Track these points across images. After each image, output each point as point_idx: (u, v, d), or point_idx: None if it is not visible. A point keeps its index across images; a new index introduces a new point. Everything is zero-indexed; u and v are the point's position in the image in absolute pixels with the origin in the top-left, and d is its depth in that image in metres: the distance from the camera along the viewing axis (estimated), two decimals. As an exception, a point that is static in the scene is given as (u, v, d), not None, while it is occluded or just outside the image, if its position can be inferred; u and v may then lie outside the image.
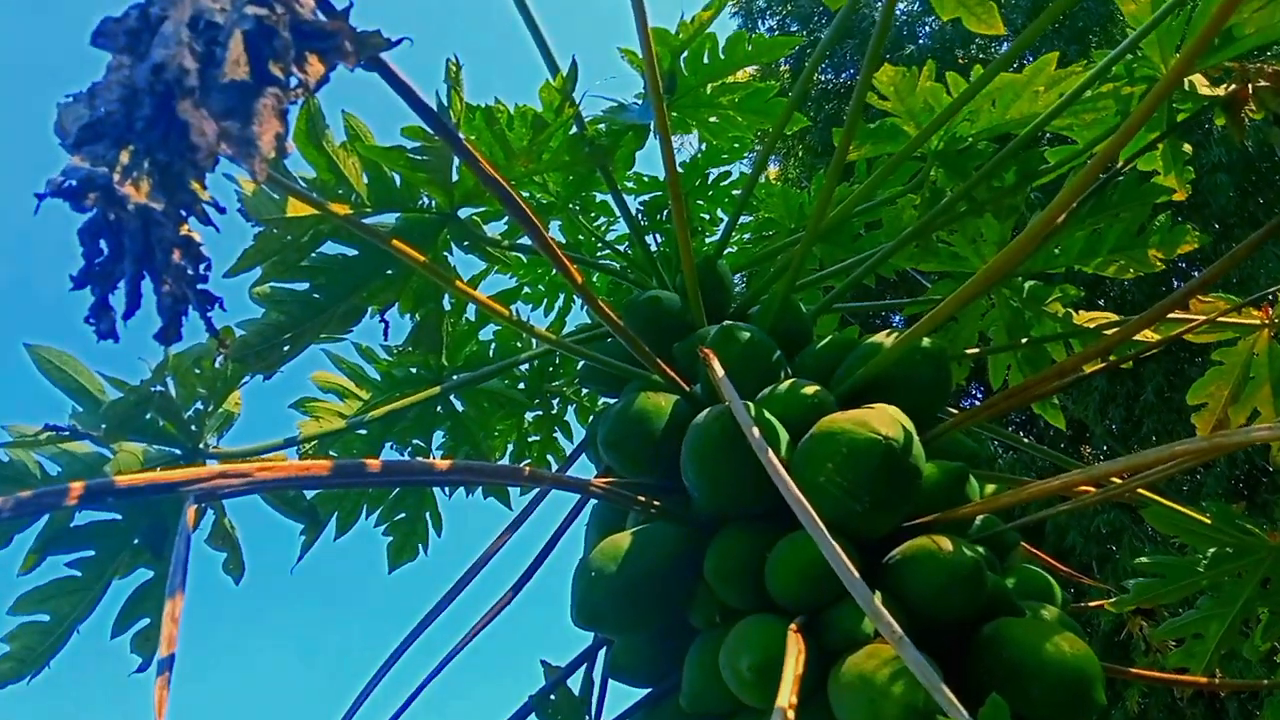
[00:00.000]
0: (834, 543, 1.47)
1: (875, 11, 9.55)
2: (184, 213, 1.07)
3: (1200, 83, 2.69)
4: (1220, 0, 2.41)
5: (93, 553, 2.12)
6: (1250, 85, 2.66)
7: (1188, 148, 2.87)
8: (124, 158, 0.97)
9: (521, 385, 2.95)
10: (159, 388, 1.90)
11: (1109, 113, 2.61)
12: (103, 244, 1.10)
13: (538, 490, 2.39)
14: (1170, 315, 2.65)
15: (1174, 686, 2.52)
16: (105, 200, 1.03)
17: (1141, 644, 2.93)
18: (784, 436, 1.96)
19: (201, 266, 1.12)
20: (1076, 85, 2.43)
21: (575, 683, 2.29)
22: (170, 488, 1.17)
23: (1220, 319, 2.76)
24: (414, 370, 2.53)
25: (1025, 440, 2.67)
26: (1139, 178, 2.75)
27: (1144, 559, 2.46)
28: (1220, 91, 2.69)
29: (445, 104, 1.94)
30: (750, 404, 1.93)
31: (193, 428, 2.05)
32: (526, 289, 2.95)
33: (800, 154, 11.62)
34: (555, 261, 1.81)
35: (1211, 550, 2.38)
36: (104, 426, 1.87)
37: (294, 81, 0.92)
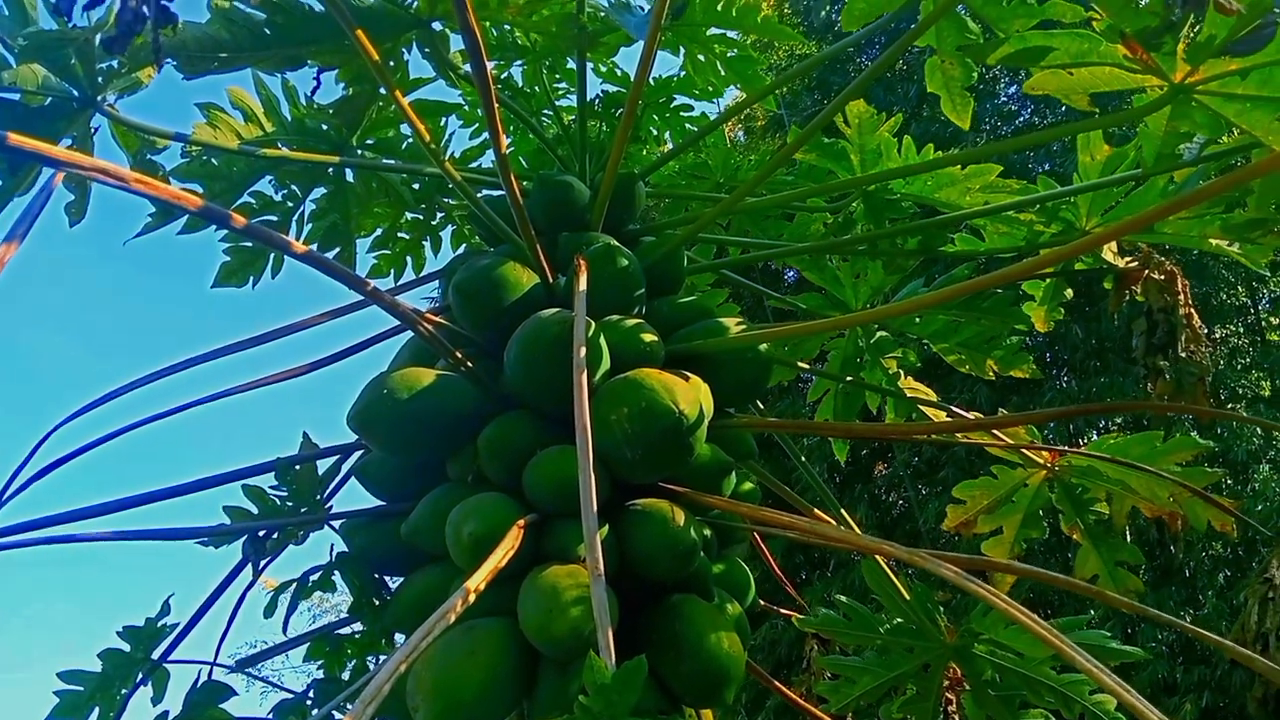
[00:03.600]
0: (592, 474, 1.67)
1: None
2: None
3: (1109, 247, 2.94)
4: (1155, 202, 2.67)
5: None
6: (1147, 272, 2.92)
7: (1069, 292, 3.13)
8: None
9: (416, 185, 3.01)
10: (86, 33, 1.91)
11: (1019, 234, 2.83)
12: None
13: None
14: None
15: (804, 712, 2.85)
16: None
17: (806, 661, 3.30)
18: (605, 366, 2.13)
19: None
20: (1003, 202, 2.63)
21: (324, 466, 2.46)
22: (55, 163, 1.24)
23: (1022, 447, 3.05)
24: (325, 128, 2.57)
25: (802, 460, 2.93)
26: (1013, 299, 3.00)
27: (842, 597, 2.77)
28: (1121, 262, 2.94)
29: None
30: (593, 324, 2.10)
31: (99, 79, 2.08)
32: (465, 107, 3.00)
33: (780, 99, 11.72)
34: (488, 114, 1.90)
35: (898, 620, 2.69)
36: (23, 43, 1.88)
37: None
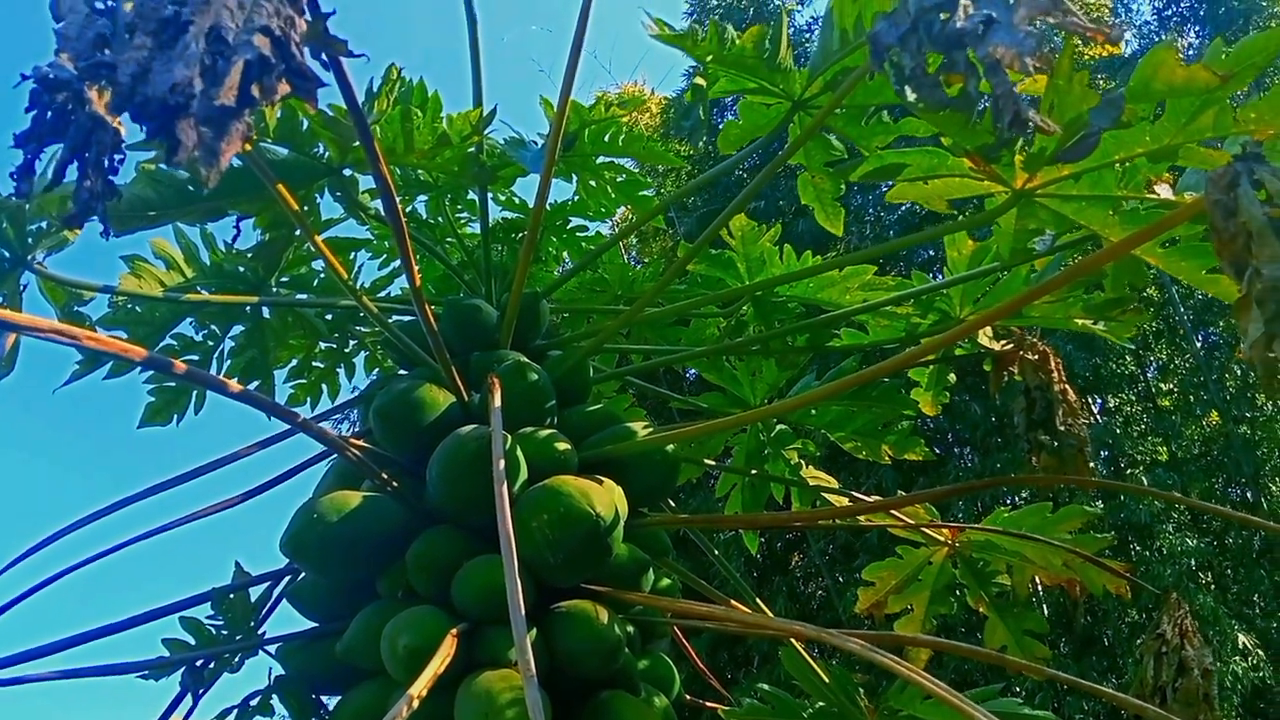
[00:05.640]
0: (519, 581, 1.77)
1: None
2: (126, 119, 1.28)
3: (984, 332, 3.18)
4: (1019, 290, 2.91)
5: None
6: (1021, 353, 3.16)
7: (952, 376, 3.36)
8: (103, 96, 1.18)
9: (329, 316, 3.14)
10: (18, 199, 2.03)
11: (900, 326, 3.07)
12: (49, 121, 1.30)
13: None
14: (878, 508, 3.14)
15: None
16: (73, 98, 1.24)
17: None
18: (523, 475, 2.26)
19: (118, 159, 1.34)
20: (880, 299, 2.86)
21: (256, 592, 2.51)
22: (13, 327, 1.34)
23: (922, 526, 3.23)
24: (242, 269, 2.70)
25: (715, 554, 3.07)
26: (901, 386, 3.22)
27: (765, 685, 2.87)
28: (997, 346, 3.19)
29: (375, 93, 2.17)
30: (509, 437, 2.23)
31: (29, 240, 2.19)
32: (373, 240, 3.15)
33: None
34: (402, 253, 2.04)
35: (820, 704, 2.80)
36: (-39, 216, 1.99)
37: (264, 100, 1.16)
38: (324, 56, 1.44)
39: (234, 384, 1.79)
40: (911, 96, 1.44)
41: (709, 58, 2.18)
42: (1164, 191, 1.85)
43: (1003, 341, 3.19)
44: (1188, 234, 2.00)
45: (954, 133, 1.96)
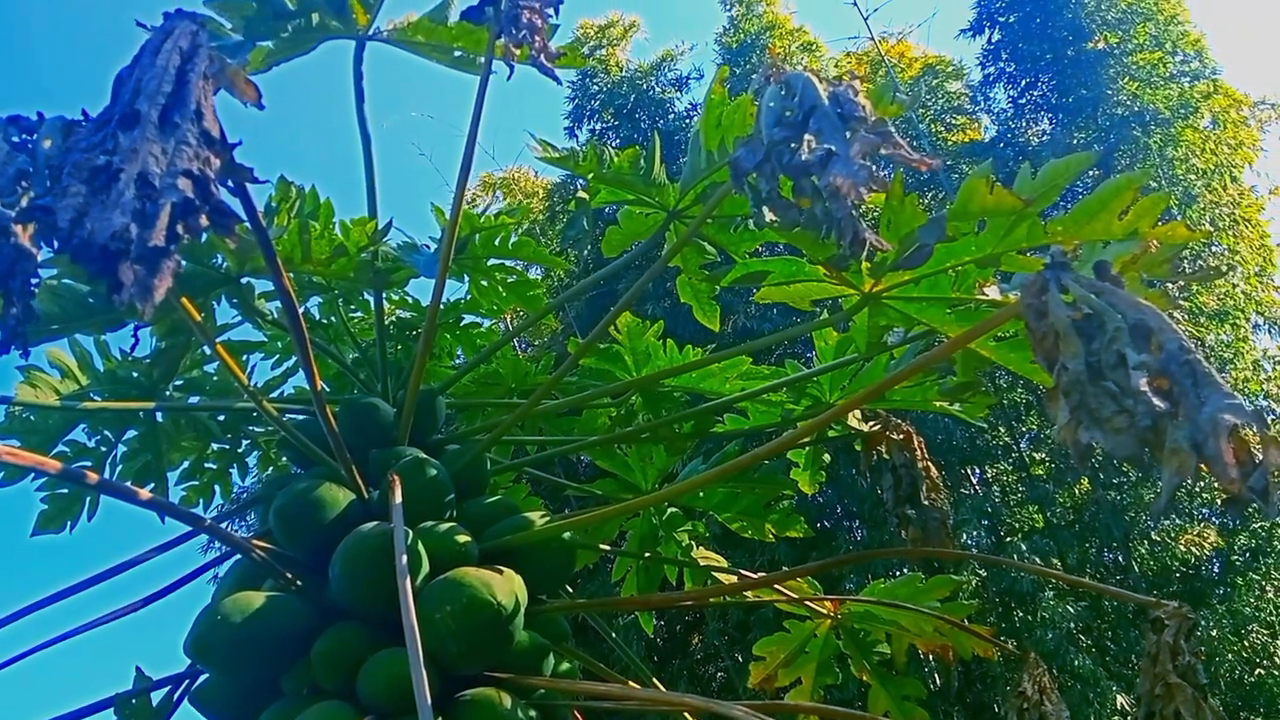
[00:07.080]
0: (424, 671, 1.86)
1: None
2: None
3: (854, 415, 3.40)
4: (880, 377, 3.14)
5: None
6: (888, 433, 3.39)
7: (827, 456, 3.57)
8: (27, 229, 1.29)
9: (221, 417, 3.18)
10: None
11: (776, 412, 3.27)
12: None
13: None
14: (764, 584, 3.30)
15: None
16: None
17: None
18: (425, 569, 2.35)
19: (34, 283, 1.43)
20: (757, 387, 3.06)
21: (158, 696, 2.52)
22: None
23: (805, 599, 3.39)
24: (135, 375, 2.75)
25: (613, 636, 3.18)
26: (780, 469, 3.42)
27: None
28: (865, 427, 3.41)
29: (275, 209, 2.29)
30: (410, 532, 2.32)
31: (-80, 355, 2.21)
32: (266, 341, 3.23)
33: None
34: (304, 360, 2.15)
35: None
36: None
37: (188, 236, 1.28)
38: (230, 182, 1.57)
39: (144, 492, 1.86)
40: (769, 217, 1.64)
41: (590, 175, 2.36)
42: (992, 293, 2.08)
43: (871, 423, 3.42)
44: (1018, 328, 2.24)
45: (807, 246, 2.17)
